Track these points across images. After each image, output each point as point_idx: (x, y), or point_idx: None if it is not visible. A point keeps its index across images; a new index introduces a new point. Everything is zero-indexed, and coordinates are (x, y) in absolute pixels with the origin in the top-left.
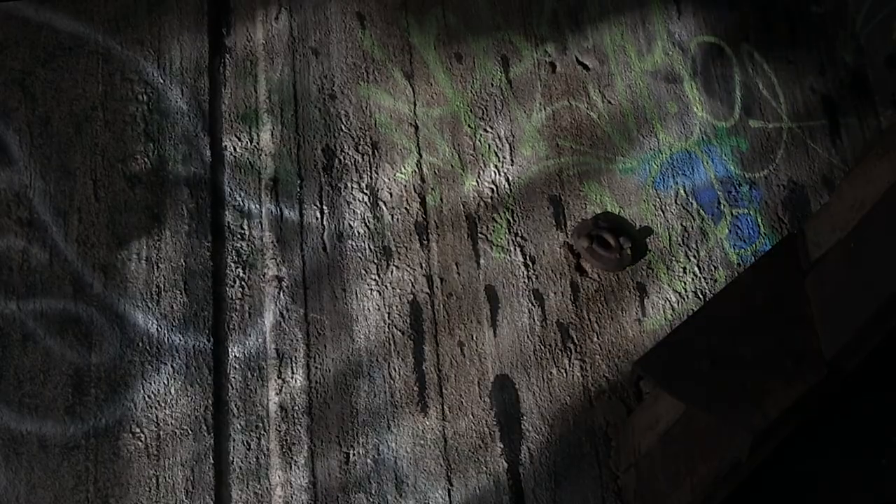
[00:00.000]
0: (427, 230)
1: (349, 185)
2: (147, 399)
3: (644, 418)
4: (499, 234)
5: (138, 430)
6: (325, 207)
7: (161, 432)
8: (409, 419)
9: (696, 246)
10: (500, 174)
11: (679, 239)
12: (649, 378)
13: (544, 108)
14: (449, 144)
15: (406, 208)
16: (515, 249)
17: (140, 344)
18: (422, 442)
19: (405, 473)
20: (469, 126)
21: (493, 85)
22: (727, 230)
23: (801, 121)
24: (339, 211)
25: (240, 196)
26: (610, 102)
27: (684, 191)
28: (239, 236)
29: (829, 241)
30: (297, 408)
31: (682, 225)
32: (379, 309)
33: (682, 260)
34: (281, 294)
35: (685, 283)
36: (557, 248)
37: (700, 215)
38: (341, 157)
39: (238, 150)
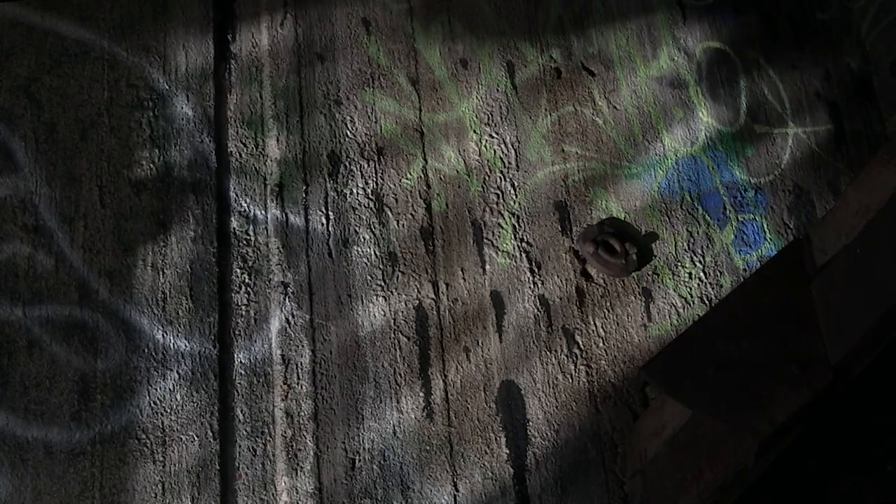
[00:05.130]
0: (433, 236)
1: (355, 190)
2: (153, 405)
3: (650, 424)
4: (504, 240)
5: (144, 436)
6: (330, 213)
7: (167, 438)
8: (415, 425)
9: (702, 251)
10: (505, 180)
11: (685, 244)
12: (655, 383)
13: (550, 114)
14: (454, 150)
15: (412, 214)
16: (521, 255)
17: (146, 350)
18: (427, 448)
19: (411, 479)
20: (474, 132)
21: (498, 91)
22: (733, 235)
23: (807, 126)
24: (344, 217)
25: (245, 202)
26: (615, 108)
27: (690, 196)
28: (244, 242)
29: (835, 247)
30: (302, 414)
31: (687, 230)
32: (384, 315)
33: (687, 265)
34: (286, 300)
35: (691, 289)
36: (563, 254)
37: (705, 221)
38: (347, 163)
39: (243, 155)
